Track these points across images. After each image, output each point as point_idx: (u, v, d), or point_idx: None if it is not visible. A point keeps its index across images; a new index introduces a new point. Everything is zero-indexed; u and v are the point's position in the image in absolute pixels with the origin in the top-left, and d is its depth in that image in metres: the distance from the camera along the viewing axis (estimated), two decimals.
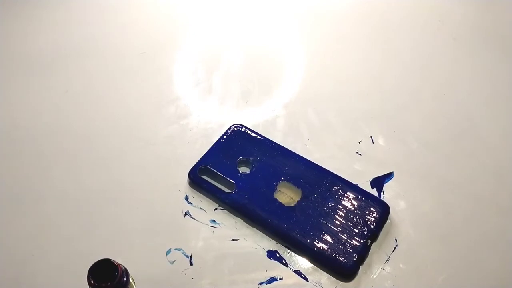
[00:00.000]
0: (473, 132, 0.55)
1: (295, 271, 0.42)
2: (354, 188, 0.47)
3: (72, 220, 0.45)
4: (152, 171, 0.50)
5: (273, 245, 0.43)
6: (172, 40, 0.67)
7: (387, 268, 0.42)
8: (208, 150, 0.50)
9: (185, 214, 0.46)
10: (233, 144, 0.50)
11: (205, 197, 0.47)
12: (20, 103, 0.57)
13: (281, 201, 0.45)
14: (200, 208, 0.46)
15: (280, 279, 0.41)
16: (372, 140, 0.52)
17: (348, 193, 0.46)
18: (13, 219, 0.45)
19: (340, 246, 0.42)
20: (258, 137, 0.51)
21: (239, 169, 0.48)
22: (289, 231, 0.43)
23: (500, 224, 0.46)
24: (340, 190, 0.46)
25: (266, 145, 0.50)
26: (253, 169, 0.48)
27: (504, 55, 0.66)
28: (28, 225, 0.45)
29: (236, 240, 0.44)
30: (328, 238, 0.43)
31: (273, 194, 0.46)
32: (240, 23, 0.71)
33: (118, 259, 0.37)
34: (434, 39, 0.69)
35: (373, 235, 0.43)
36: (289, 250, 0.43)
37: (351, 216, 0.44)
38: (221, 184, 0.47)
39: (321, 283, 0.41)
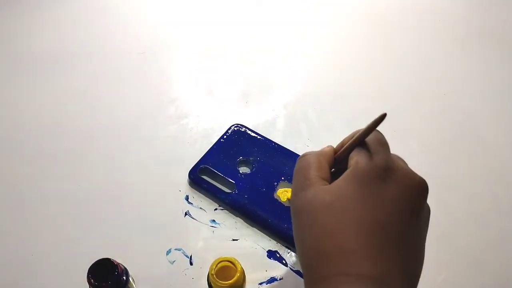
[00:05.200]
0: (473, 132, 0.55)
1: (295, 271, 0.42)
2: None
3: (72, 220, 0.45)
4: (152, 171, 0.50)
5: (273, 245, 0.43)
6: (172, 40, 0.67)
7: None
8: (208, 150, 0.50)
9: (185, 214, 0.46)
10: (233, 144, 0.50)
11: (205, 197, 0.47)
12: (20, 103, 0.57)
13: (281, 201, 0.45)
14: (200, 208, 0.46)
15: (280, 279, 0.41)
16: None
17: None
18: (13, 219, 0.45)
19: None
20: (258, 137, 0.51)
21: (239, 169, 0.48)
22: (289, 231, 0.43)
23: (500, 224, 0.46)
24: None
25: (266, 145, 0.50)
26: (253, 169, 0.48)
27: (504, 55, 0.66)
28: (28, 225, 0.45)
29: (236, 240, 0.44)
30: None
31: (273, 194, 0.46)
32: (240, 24, 0.71)
33: (118, 259, 0.37)
34: (434, 39, 0.69)
35: None
36: (289, 250, 0.43)
37: None
38: (221, 184, 0.47)
39: None
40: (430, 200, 0.48)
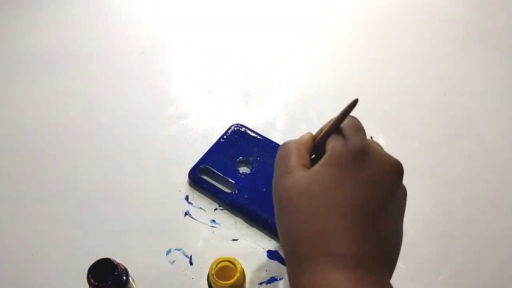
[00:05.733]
0: (473, 132, 0.55)
1: None
2: None
3: (72, 220, 0.45)
4: (152, 171, 0.50)
5: (273, 245, 0.43)
6: (172, 40, 0.67)
7: None
8: (208, 150, 0.50)
9: (185, 214, 0.46)
10: (233, 144, 0.50)
11: (205, 197, 0.47)
12: (20, 103, 0.57)
13: None
14: (200, 208, 0.46)
15: (280, 279, 0.41)
16: (372, 140, 0.52)
17: None
18: (13, 219, 0.45)
19: None
20: (258, 137, 0.51)
21: (239, 169, 0.48)
22: None
23: (500, 224, 0.46)
24: None
25: (266, 145, 0.50)
26: (253, 169, 0.48)
27: (504, 54, 0.66)
28: (28, 225, 0.45)
29: (236, 240, 0.44)
30: None
31: None
32: (240, 24, 0.71)
33: (118, 259, 0.37)
34: (434, 39, 0.69)
35: None
36: None
37: None
38: (221, 184, 0.47)
39: None
40: (430, 200, 0.49)
